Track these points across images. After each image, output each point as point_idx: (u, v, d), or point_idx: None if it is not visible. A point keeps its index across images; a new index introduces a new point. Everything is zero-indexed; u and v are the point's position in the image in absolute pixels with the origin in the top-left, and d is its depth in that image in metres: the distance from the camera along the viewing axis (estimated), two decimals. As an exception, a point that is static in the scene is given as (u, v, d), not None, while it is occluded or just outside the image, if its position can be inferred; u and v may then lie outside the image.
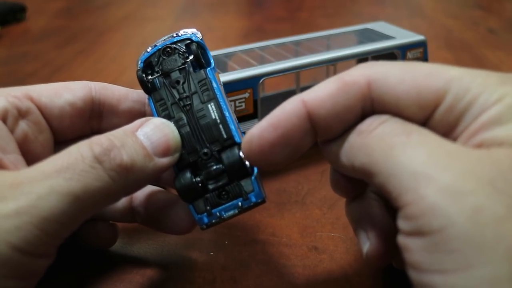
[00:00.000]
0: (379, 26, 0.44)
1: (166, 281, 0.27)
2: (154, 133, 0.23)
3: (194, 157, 0.24)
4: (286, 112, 0.21)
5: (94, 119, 0.27)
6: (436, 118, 0.20)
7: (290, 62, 0.36)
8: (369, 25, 0.44)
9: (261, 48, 0.40)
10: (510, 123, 0.18)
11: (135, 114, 0.27)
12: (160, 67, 0.25)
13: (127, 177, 0.22)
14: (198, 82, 0.25)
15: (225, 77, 0.33)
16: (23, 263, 0.19)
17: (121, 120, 0.27)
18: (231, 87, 0.34)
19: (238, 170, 0.23)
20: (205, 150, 0.24)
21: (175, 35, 0.26)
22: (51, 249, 0.20)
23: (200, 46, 0.25)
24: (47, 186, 0.19)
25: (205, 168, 0.24)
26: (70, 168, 0.20)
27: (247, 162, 0.23)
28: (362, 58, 0.39)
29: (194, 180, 0.24)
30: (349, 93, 0.20)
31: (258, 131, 0.21)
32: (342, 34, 0.43)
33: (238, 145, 0.24)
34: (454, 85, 0.19)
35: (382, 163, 0.18)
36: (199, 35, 0.26)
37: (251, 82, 0.34)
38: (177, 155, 0.24)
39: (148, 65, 0.26)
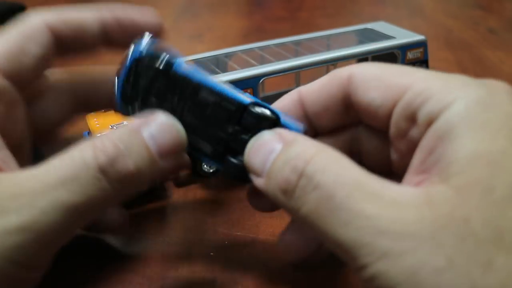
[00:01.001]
0: (379, 26, 0.44)
1: (166, 281, 0.27)
2: (160, 134, 0.22)
3: (222, 143, 0.24)
4: (285, 99, 0.24)
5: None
6: (396, 112, 0.21)
7: (290, 62, 0.36)
8: (369, 25, 0.44)
9: (261, 48, 0.40)
10: (458, 136, 0.18)
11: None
12: (135, 91, 0.24)
13: (130, 186, 0.21)
14: (180, 82, 0.24)
15: (225, 77, 0.33)
16: (21, 277, 0.19)
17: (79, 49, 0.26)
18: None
19: (266, 125, 0.23)
20: (229, 130, 0.23)
21: (126, 58, 0.24)
22: (48, 259, 0.21)
23: (158, 47, 0.24)
24: (50, 200, 0.19)
25: (240, 144, 0.23)
26: (74, 180, 0.20)
27: (267, 112, 0.23)
28: (362, 58, 0.39)
29: (239, 160, 0.23)
30: (333, 84, 0.23)
31: None
32: (342, 34, 0.43)
33: (250, 104, 0.23)
34: (416, 84, 0.20)
35: (321, 235, 0.18)
36: (146, 39, 0.24)
37: (251, 82, 0.34)
38: (180, 157, 0.23)
39: (125, 98, 0.24)
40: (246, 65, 0.36)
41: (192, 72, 0.24)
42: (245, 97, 0.24)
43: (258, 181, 0.21)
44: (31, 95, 0.26)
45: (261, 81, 0.35)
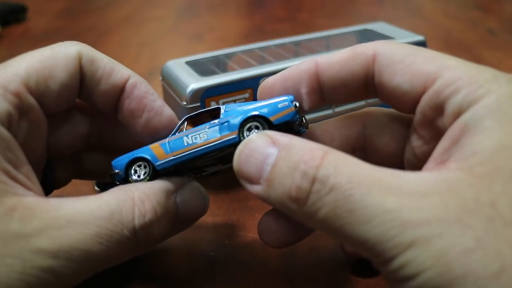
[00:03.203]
0: (379, 26, 0.44)
1: (166, 281, 0.27)
2: (189, 203, 0.24)
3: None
4: (299, 68, 0.23)
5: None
6: (424, 100, 0.20)
7: (290, 62, 0.36)
8: (368, 26, 0.44)
9: (261, 49, 0.40)
10: (485, 129, 0.18)
11: (109, 97, 0.25)
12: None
13: (150, 247, 0.23)
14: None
15: (225, 77, 0.34)
16: None
17: (98, 98, 0.25)
18: (231, 87, 0.34)
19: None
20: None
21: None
22: None
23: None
24: (82, 253, 0.20)
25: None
26: (107, 237, 0.20)
27: (254, 131, 0.22)
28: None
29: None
30: (356, 61, 0.22)
31: (272, 79, 0.24)
32: (341, 35, 0.43)
33: (239, 139, 0.23)
34: (446, 73, 0.20)
35: (341, 236, 0.18)
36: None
37: (251, 82, 0.34)
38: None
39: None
40: (246, 65, 0.36)
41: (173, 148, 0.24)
42: (231, 134, 0.23)
43: (255, 188, 0.20)
44: (52, 119, 0.25)
45: (261, 81, 0.35)
